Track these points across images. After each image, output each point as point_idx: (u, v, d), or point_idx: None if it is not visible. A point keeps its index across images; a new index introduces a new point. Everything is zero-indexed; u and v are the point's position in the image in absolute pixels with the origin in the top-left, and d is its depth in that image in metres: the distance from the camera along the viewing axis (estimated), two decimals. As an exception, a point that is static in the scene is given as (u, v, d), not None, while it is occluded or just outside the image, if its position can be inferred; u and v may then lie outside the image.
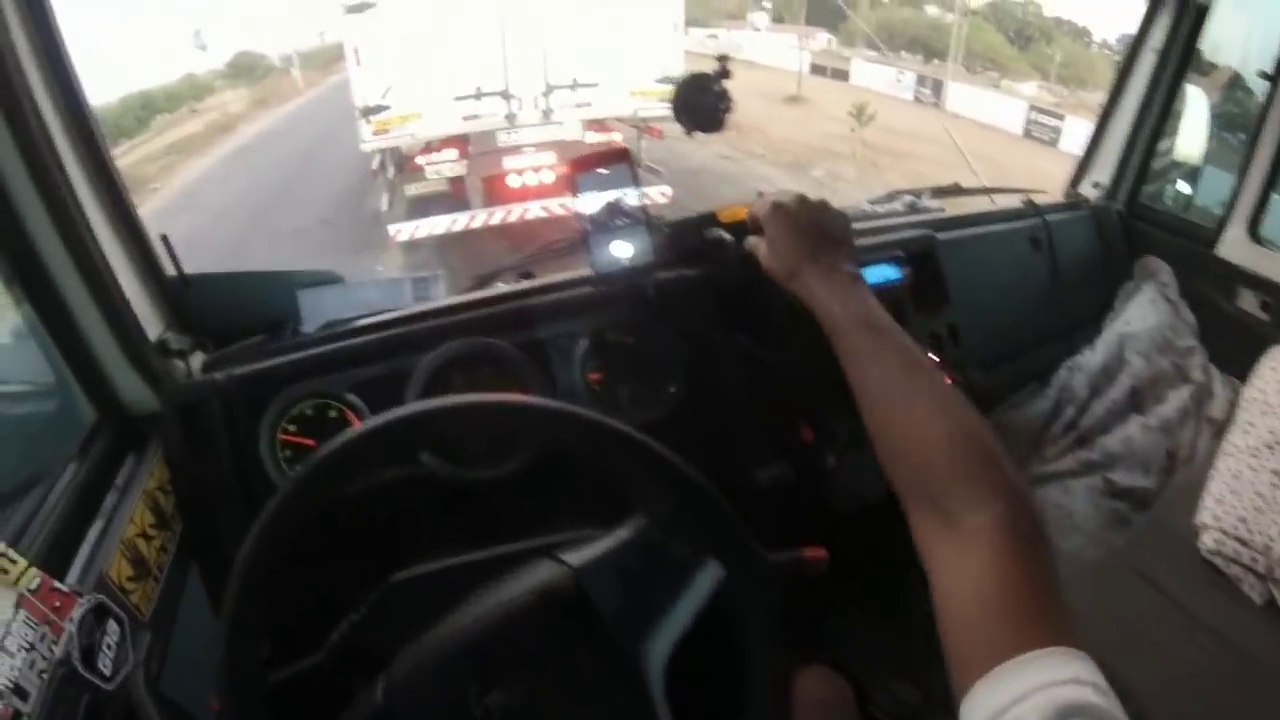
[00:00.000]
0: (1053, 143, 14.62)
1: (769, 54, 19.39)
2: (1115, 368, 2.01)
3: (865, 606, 1.78)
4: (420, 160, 6.76)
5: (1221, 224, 2.08)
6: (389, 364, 1.28)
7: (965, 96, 16.78)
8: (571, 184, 1.25)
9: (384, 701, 0.73)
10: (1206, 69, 2.35)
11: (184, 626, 1.13)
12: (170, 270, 1.32)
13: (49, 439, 1.20)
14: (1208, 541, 1.51)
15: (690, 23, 8.16)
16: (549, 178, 6.74)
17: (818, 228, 0.98)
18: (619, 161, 1.27)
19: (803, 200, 1.01)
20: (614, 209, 1.26)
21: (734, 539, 0.81)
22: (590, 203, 1.25)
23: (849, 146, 11.73)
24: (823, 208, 1.01)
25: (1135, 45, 2.19)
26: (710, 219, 1.37)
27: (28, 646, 0.77)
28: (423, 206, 6.85)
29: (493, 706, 0.72)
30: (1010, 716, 0.48)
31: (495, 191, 6.78)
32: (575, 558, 0.80)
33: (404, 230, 6.46)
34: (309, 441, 1.24)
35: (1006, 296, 1.99)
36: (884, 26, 21.37)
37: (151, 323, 1.25)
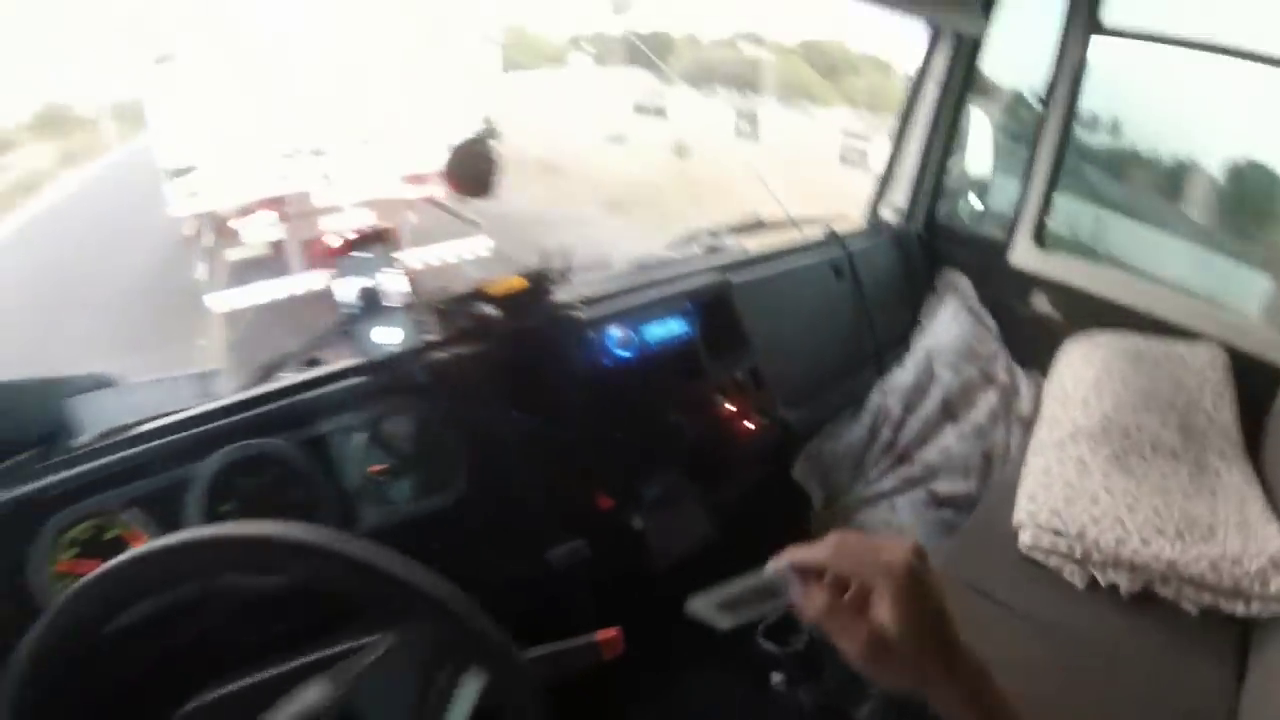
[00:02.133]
0: (861, 164, 15.50)
1: (590, 97, 19.73)
2: (925, 382, 2.08)
3: (706, 663, 1.74)
4: (235, 224, 6.36)
5: (1010, 234, 2.24)
6: (169, 474, 1.18)
7: (783, 127, 17.50)
8: (333, 271, 1.22)
9: None
10: (988, 95, 2.53)
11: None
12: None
13: None
14: (1025, 539, 1.56)
15: (511, 67, 8.14)
16: None
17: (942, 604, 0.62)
18: (379, 242, 1.23)
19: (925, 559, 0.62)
20: (369, 294, 1.20)
21: (489, 643, 0.78)
22: (347, 289, 1.18)
23: (669, 182, 12.01)
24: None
25: (919, 77, 2.32)
26: (479, 294, 1.34)
27: None
28: (244, 273, 6.38)
29: None
30: None
31: (315, 253, 6.46)
32: (343, 674, 0.77)
33: (222, 300, 6.05)
34: (89, 566, 1.09)
35: (813, 329, 2.03)
36: (702, 66, 22.15)
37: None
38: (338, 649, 0.81)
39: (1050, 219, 2.24)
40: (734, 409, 1.67)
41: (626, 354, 1.54)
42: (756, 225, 2.15)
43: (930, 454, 1.99)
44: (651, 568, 1.47)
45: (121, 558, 0.72)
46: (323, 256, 6.37)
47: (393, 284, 1.21)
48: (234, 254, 6.50)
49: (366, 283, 1.20)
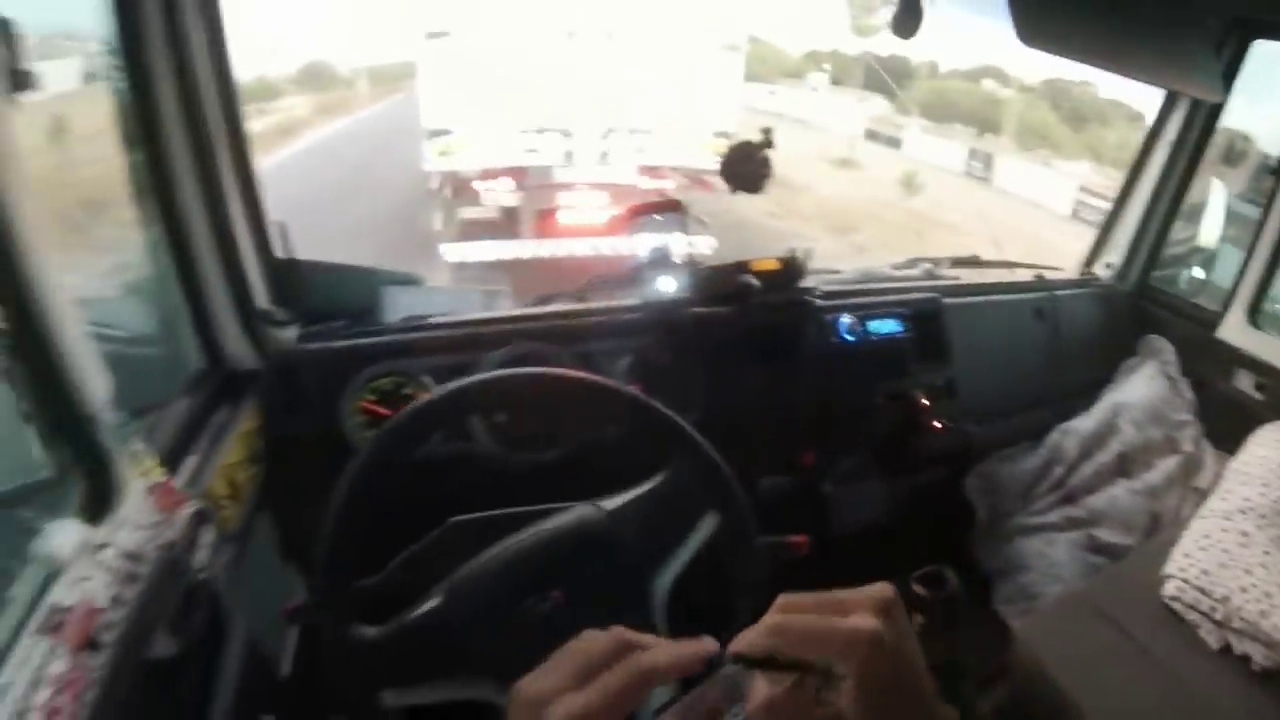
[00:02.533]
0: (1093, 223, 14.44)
1: (824, 116, 19.54)
2: (1106, 434, 2.17)
3: None
4: (477, 185, 6.97)
5: (1224, 308, 2.23)
6: (459, 356, 1.52)
7: (1016, 173, 16.54)
8: (630, 225, 1.49)
9: (441, 605, 0.89)
10: (1222, 162, 2.52)
11: (259, 546, 1.38)
12: (279, 251, 1.56)
13: (161, 379, 1.39)
14: (1169, 589, 1.65)
15: (749, 78, 8.38)
16: (600, 217, 6.86)
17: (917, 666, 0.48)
18: (672, 210, 1.52)
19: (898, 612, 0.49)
20: (661, 250, 1.50)
21: (732, 498, 1.00)
22: (642, 243, 1.49)
23: (894, 213, 11.88)
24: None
25: (1150, 137, 2.36)
26: (743, 266, 1.62)
27: (149, 526, 0.97)
28: (474, 231, 6.99)
29: (529, 610, 0.88)
30: None
31: (547, 225, 6.90)
32: (607, 503, 0.98)
33: (455, 251, 6.64)
34: (385, 411, 1.47)
35: (1008, 361, 2.18)
36: (940, 97, 21.55)
37: (259, 293, 1.48)
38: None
39: (1273, 299, 2.20)
40: (927, 408, 1.88)
41: (850, 338, 1.78)
42: (973, 261, 2.30)
43: (1098, 501, 2.09)
44: (825, 530, 1.70)
45: (436, 391, 0.97)
46: (552, 229, 6.89)
47: (678, 245, 1.51)
48: (469, 213, 7.12)
49: (659, 240, 1.51)
